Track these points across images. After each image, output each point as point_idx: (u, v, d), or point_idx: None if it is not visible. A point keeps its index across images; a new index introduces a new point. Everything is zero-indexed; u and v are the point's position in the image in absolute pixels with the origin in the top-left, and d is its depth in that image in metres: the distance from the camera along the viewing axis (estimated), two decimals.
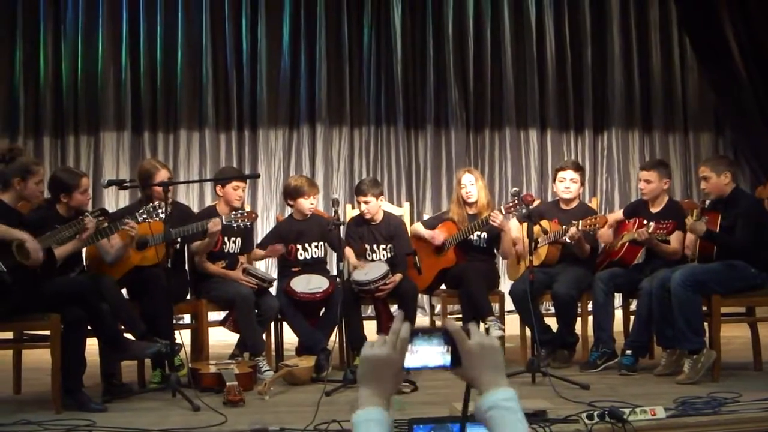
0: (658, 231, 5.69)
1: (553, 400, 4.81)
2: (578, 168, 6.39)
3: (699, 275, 5.45)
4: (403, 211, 6.84)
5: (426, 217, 7.02)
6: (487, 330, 5.90)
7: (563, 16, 9.34)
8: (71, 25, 8.66)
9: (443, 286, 6.45)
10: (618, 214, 6.45)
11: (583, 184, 6.36)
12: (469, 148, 9.27)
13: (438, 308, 6.37)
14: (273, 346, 6.13)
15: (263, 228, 8.63)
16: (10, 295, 4.78)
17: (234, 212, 5.83)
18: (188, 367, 5.51)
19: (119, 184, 5.91)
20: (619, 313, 6.37)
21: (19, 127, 8.56)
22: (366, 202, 6.29)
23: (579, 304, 6.07)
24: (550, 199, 6.69)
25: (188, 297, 6.06)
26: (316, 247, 6.32)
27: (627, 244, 5.98)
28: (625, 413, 4.30)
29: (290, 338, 6.21)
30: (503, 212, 6.00)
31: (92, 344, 5.20)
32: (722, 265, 5.51)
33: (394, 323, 1.83)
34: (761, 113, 8.60)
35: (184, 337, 5.52)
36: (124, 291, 5.62)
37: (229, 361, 5.70)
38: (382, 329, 6.19)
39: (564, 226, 6.04)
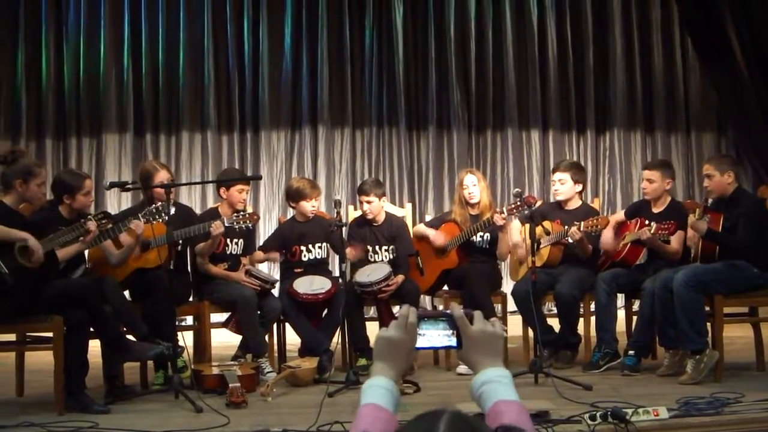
0: (660, 231, 5.69)
1: (556, 401, 4.82)
2: (567, 168, 6.34)
3: (701, 275, 5.45)
4: (405, 212, 6.84)
5: (428, 218, 7.02)
6: None
7: (565, 17, 9.33)
8: (73, 27, 8.68)
9: (445, 287, 6.45)
10: (620, 215, 6.45)
11: (578, 182, 6.29)
12: (471, 148, 9.27)
13: (440, 309, 6.36)
14: (275, 347, 6.13)
15: (265, 230, 8.64)
16: (12, 296, 4.79)
17: (236, 214, 5.83)
18: (191, 369, 5.51)
19: (121, 186, 5.91)
20: (621, 314, 6.36)
21: (22, 129, 8.58)
22: (368, 202, 6.29)
23: (581, 305, 6.06)
24: (552, 200, 6.68)
25: (191, 299, 6.06)
26: (319, 248, 6.33)
27: (629, 244, 5.97)
28: (627, 414, 4.30)
29: (293, 339, 6.21)
30: (505, 213, 6.00)
31: (95, 346, 5.20)
32: (724, 265, 5.51)
33: (402, 309, 1.96)
34: (763, 113, 8.60)
35: (186, 338, 5.53)
36: (126, 293, 5.61)
37: (232, 362, 5.70)
38: None
39: (566, 227, 6.04)
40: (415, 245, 6.41)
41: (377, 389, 1.87)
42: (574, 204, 6.33)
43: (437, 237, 6.37)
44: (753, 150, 8.86)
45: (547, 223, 6.06)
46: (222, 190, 6.13)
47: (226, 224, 5.73)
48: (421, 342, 1.94)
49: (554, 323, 6.15)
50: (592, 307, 6.01)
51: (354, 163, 9.08)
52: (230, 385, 5.07)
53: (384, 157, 9.14)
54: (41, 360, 5.50)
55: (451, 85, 9.13)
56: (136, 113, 8.76)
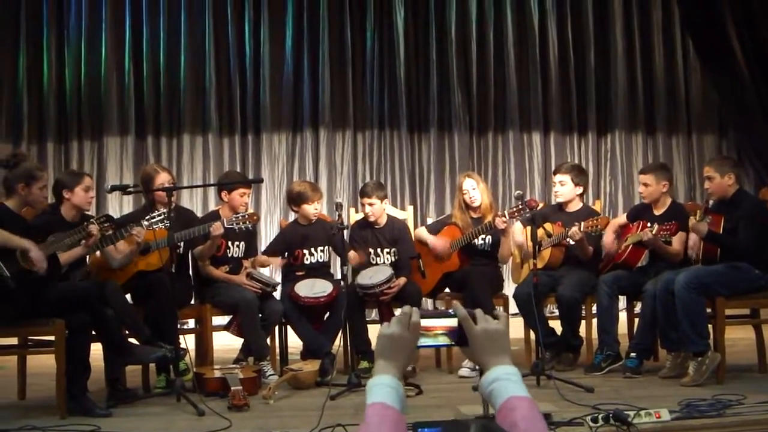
0: (662, 232, 5.69)
1: (558, 403, 4.81)
2: (568, 170, 6.33)
3: (703, 277, 5.45)
4: (406, 214, 6.84)
5: (430, 221, 7.02)
6: None
7: (566, 19, 9.34)
8: (74, 31, 8.69)
9: (447, 290, 6.44)
10: (621, 218, 6.45)
11: (579, 185, 6.29)
12: (473, 151, 9.28)
13: (442, 309, 6.36)
14: (277, 350, 6.13)
15: (267, 232, 8.66)
16: (14, 300, 4.79)
17: (235, 215, 5.82)
18: (193, 372, 5.52)
19: (123, 189, 5.93)
20: (623, 316, 6.35)
21: (23, 132, 8.60)
22: (370, 204, 6.29)
23: (583, 307, 6.06)
24: (553, 202, 6.68)
25: (192, 302, 6.07)
26: (321, 251, 6.33)
27: (631, 246, 5.98)
28: (629, 416, 4.29)
29: (294, 342, 6.21)
30: (507, 216, 5.99)
31: (97, 349, 5.19)
32: (726, 267, 5.50)
33: (404, 308, 1.96)
34: (764, 114, 8.60)
35: (188, 341, 5.53)
36: (128, 296, 5.61)
37: (234, 365, 5.70)
38: None
39: (567, 229, 6.04)
40: (416, 248, 6.41)
41: (383, 387, 1.86)
42: (575, 206, 6.33)
43: (437, 244, 6.34)
44: (754, 151, 8.86)
45: (548, 225, 6.06)
46: (223, 193, 6.13)
47: (226, 225, 5.73)
48: (422, 340, 1.95)
49: (556, 325, 6.15)
50: (594, 309, 6.01)
51: (355, 166, 9.08)
52: (232, 388, 5.08)
53: (385, 160, 9.14)
54: (43, 363, 5.49)
55: (452, 88, 9.15)
56: (137, 116, 8.77)
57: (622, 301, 6.38)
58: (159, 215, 5.31)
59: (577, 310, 6.01)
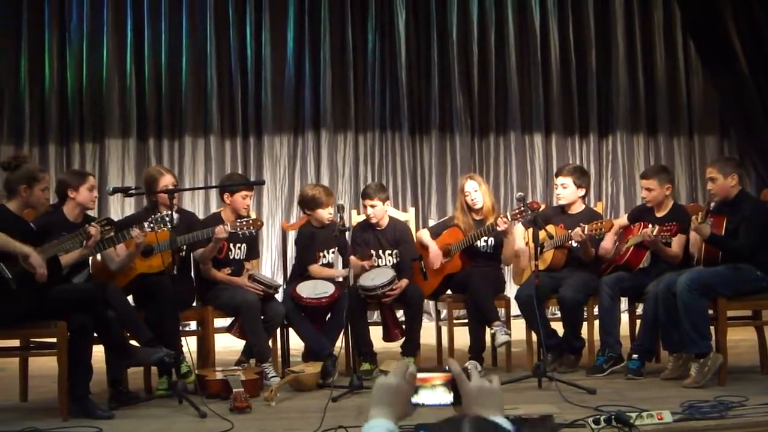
0: (663, 233, 5.69)
1: (560, 405, 4.81)
2: (570, 172, 6.32)
3: (705, 278, 5.44)
4: (408, 216, 6.83)
5: (432, 222, 7.02)
6: (493, 336, 5.90)
7: (567, 21, 9.34)
8: (76, 33, 8.70)
9: (449, 291, 6.44)
10: (623, 219, 6.44)
11: (580, 187, 6.29)
12: (474, 153, 9.28)
13: (444, 313, 6.36)
14: (279, 352, 6.13)
15: (268, 234, 8.67)
16: (15, 302, 4.79)
17: (239, 220, 5.82)
18: (195, 374, 5.52)
19: (124, 192, 5.92)
20: (625, 317, 6.35)
21: (25, 134, 8.61)
22: (372, 206, 6.29)
23: (585, 309, 6.06)
24: (554, 203, 6.68)
25: (194, 304, 6.07)
26: (333, 253, 6.35)
27: (632, 248, 5.97)
28: (631, 417, 4.30)
29: (296, 344, 6.21)
30: (509, 218, 5.99)
31: (98, 351, 5.20)
32: (728, 268, 5.50)
33: (402, 361, 1.95)
34: (765, 115, 8.59)
35: (190, 343, 5.53)
36: (129, 298, 5.62)
37: (236, 367, 5.70)
38: (389, 334, 6.20)
39: (569, 231, 6.04)
40: (418, 250, 6.41)
41: (379, 429, 1.89)
42: (577, 208, 6.32)
43: (435, 257, 6.32)
44: (756, 153, 8.85)
45: (550, 227, 6.06)
46: (225, 196, 6.13)
47: (230, 230, 5.73)
48: (418, 398, 2.01)
49: (558, 327, 6.15)
50: (596, 310, 6.00)
51: (357, 168, 9.09)
52: (234, 390, 5.08)
53: (387, 162, 9.15)
54: (45, 365, 5.51)
55: (453, 90, 9.15)
56: (139, 118, 8.78)
57: (624, 303, 6.38)
58: (160, 217, 5.32)
59: (578, 311, 6.01)
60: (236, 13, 8.88)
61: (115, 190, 5.76)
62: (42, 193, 5.08)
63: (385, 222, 6.39)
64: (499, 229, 6.04)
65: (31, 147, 8.57)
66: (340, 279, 6.18)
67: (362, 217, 6.53)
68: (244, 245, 6.14)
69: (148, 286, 5.57)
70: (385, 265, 6.30)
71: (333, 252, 6.35)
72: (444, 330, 6.29)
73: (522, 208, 5.83)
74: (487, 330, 6.00)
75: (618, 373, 5.75)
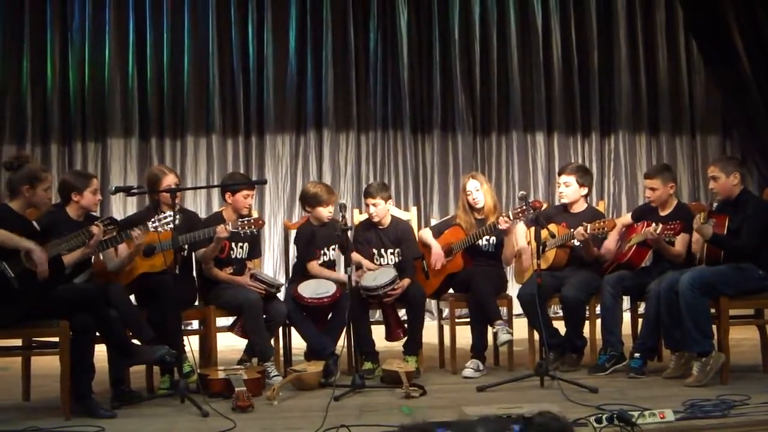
0: (666, 232, 5.68)
1: (562, 404, 4.81)
2: (573, 171, 6.32)
3: (707, 277, 5.44)
4: (410, 215, 6.83)
5: (434, 221, 7.02)
6: (495, 335, 5.90)
7: (569, 20, 9.34)
8: (78, 33, 8.71)
9: (451, 291, 6.44)
10: (626, 218, 6.44)
11: (583, 186, 6.29)
12: (476, 152, 9.28)
13: (446, 312, 6.36)
14: (281, 351, 6.13)
15: (270, 234, 8.67)
16: (18, 301, 4.79)
17: (241, 219, 5.82)
18: (197, 373, 5.52)
19: (127, 191, 5.92)
20: (627, 316, 6.36)
21: (27, 134, 8.62)
22: (374, 205, 6.29)
23: (587, 308, 6.06)
24: (557, 203, 6.68)
25: (196, 303, 6.07)
26: (333, 250, 6.34)
27: (635, 246, 5.97)
28: (633, 416, 4.30)
29: (298, 343, 6.21)
30: (511, 217, 5.99)
31: (101, 351, 5.20)
32: (730, 267, 5.50)
33: None
34: None
35: (192, 343, 5.53)
36: (132, 297, 5.62)
37: (238, 366, 5.70)
38: (391, 333, 6.20)
39: (572, 230, 6.03)
40: (420, 249, 6.40)
41: None
42: (580, 207, 6.32)
43: (437, 257, 6.31)
44: (758, 152, 8.84)
45: (552, 226, 6.06)
46: (227, 195, 6.12)
47: (232, 229, 5.73)
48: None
49: (560, 326, 6.15)
50: (598, 309, 6.00)
51: (359, 167, 9.09)
52: (236, 389, 5.08)
53: (389, 161, 9.15)
54: (47, 365, 5.51)
55: (455, 89, 9.15)
56: (141, 118, 8.79)
57: (626, 302, 6.39)
58: (162, 217, 5.32)
59: (581, 310, 6.01)
60: (238, 12, 8.89)
61: (118, 190, 5.76)
62: (44, 192, 5.08)
63: (387, 221, 6.38)
64: (500, 228, 6.04)
65: (34, 147, 8.58)
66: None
67: (364, 216, 6.53)
68: (246, 244, 6.14)
69: (151, 286, 5.57)
70: (387, 264, 6.30)
71: (334, 249, 6.34)
72: (446, 329, 6.30)
73: (524, 207, 5.83)
74: (489, 329, 5.99)
75: (620, 371, 5.75)
